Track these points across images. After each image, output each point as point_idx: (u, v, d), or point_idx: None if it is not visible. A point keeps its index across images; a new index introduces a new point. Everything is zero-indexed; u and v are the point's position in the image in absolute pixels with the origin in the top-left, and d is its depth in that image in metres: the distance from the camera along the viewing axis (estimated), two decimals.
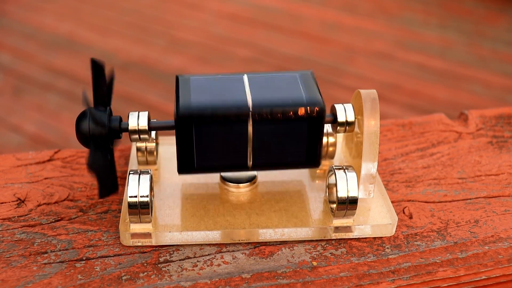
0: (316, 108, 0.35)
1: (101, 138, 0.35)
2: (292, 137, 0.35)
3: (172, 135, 0.36)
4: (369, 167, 0.36)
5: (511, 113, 0.51)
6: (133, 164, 0.42)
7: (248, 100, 0.35)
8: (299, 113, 0.35)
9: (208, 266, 0.34)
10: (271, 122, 0.35)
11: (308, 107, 0.35)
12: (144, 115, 0.36)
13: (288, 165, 0.37)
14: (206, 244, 0.36)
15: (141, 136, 0.36)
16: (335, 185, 0.36)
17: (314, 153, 0.36)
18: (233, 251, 0.35)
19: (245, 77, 0.37)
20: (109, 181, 0.34)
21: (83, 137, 0.35)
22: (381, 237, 0.37)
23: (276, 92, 0.36)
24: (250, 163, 0.36)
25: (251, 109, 0.34)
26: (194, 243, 0.36)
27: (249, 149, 0.35)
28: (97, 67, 0.34)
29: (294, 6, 2.32)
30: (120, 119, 0.36)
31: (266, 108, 0.34)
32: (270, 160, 0.36)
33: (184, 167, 0.36)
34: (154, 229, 0.36)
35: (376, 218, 0.37)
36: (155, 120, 0.38)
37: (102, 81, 0.34)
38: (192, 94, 0.35)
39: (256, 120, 0.34)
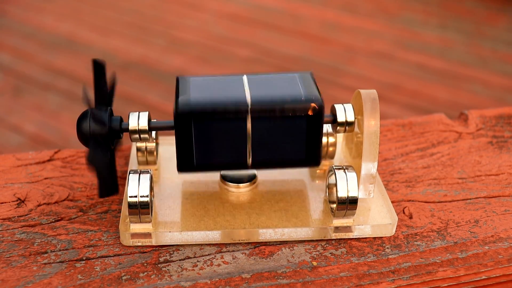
0: (315, 105, 0.35)
1: (102, 137, 0.35)
2: (292, 134, 0.35)
3: (172, 135, 0.36)
4: (369, 167, 0.36)
5: (511, 113, 0.51)
6: (133, 164, 0.42)
7: (247, 97, 0.35)
8: (297, 109, 0.35)
9: (208, 266, 0.34)
10: (270, 119, 0.35)
11: (307, 104, 0.35)
12: (144, 115, 0.36)
13: (288, 164, 0.37)
14: (206, 244, 0.36)
15: (142, 136, 0.36)
16: (335, 185, 0.36)
17: (314, 151, 0.36)
18: (233, 251, 0.35)
19: (244, 77, 0.37)
20: (110, 180, 0.34)
21: (84, 136, 0.35)
22: (381, 237, 0.37)
23: (275, 90, 0.36)
24: (249, 160, 0.36)
25: (249, 106, 0.34)
26: (194, 243, 0.36)
27: (248, 146, 0.35)
28: (98, 67, 0.34)
29: (294, 6, 2.32)
30: (121, 119, 0.36)
31: (265, 105, 0.34)
32: (269, 157, 0.36)
33: (184, 165, 0.36)
34: (154, 229, 0.36)
35: (376, 218, 0.37)
36: (155, 120, 0.38)
37: (103, 80, 0.35)
38: (191, 92, 0.35)
39: (254, 117, 0.34)
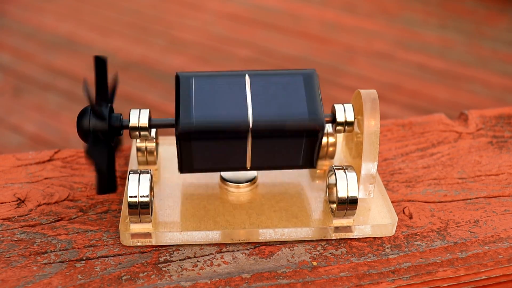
0: (316, 126, 0.35)
1: (102, 133, 0.35)
2: (290, 149, 0.36)
3: (172, 134, 0.37)
4: (369, 167, 0.36)
5: (511, 113, 0.51)
6: (133, 164, 0.42)
7: (248, 114, 0.35)
8: (298, 131, 0.35)
9: (208, 266, 0.34)
10: (270, 137, 0.35)
11: (308, 125, 0.35)
12: (145, 113, 0.36)
13: (285, 168, 0.38)
14: (206, 244, 0.36)
15: (141, 133, 0.36)
16: (335, 185, 0.36)
17: (311, 159, 0.37)
18: (233, 251, 0.35)
19: (247, 79, 0.37)
20: (108, 177, 0.34)
21: (84, 132, 0.35)
22: (381, 237, 0.37)
23: (277, 104, 0.36)
24: (248, 166, 0.37)
25: (251, 126, 0.35)
26: (194, 243, 0.36)
27: (248, 157, 0.36)
28: (100, 63, 0.34)
29: (294, 6, 2.32)
30: (121, 116, 0.36)
31: (266, 126, 0.35)
32: (267, 165, 0.37)
33: (185, 169, 0.37)
34: (154, 229, 0.36)
35: (376, 218, 0.37)
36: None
37: (104, 76, 0.34)
38: (192, 105, 0.35)
39: (255, 136, 0.35)
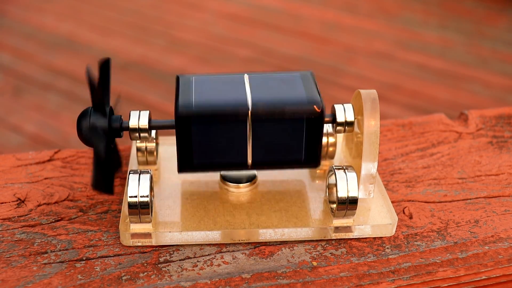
0: (315, 108, 0.35)
1: (102, 130, 0.35)
2: (292, 136, 0.35)
3: (172, 135, 0.36)
4: (369, 167, 0.36)
5: (511, 113, 0.51)
6: (133, 164, 0.42)
7: (247, 99, 0.35)
8: (298, 113, 0.35)
9: (208, 266, 0.34)
10: (270, 122, 0.35)
11: (307, 108, 0.35)
12: (145, 114, 0.36)
13: (288, 164, 0.37)
14: (206, 244, 0.36)
15: (141, 134, 0.36)
16: (335, 185, 0.36)
17: (314, 152, 0.36)
18: (233, 251, 0.35)
19: (246, 76, 0.37)
20: (106, 172, 0.34)
21: (84, 132, 0.35)
22: (381, 237, 0.37)
23: (276, 92, 0.36)
24: (249, 161, 0.36)
25: (250, 109, 0.34)
26: (194, 243, 0.36)
27: (249, 148, 0.35)
28: (104, 65, 0.34)
29: (294, 6, 2.32)
30: (121, 118, 0.36)
31: (266, 108, 0.34)
32: (269, 159, 0.36)
33: (184, 165, 0.36)
34: (154, 229, 0.36)
35: (376, 218, 0.37)
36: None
37: (107, 77, 0.34)
38: (191, 94, 0.35)
39: (255, 120, 0.34)
